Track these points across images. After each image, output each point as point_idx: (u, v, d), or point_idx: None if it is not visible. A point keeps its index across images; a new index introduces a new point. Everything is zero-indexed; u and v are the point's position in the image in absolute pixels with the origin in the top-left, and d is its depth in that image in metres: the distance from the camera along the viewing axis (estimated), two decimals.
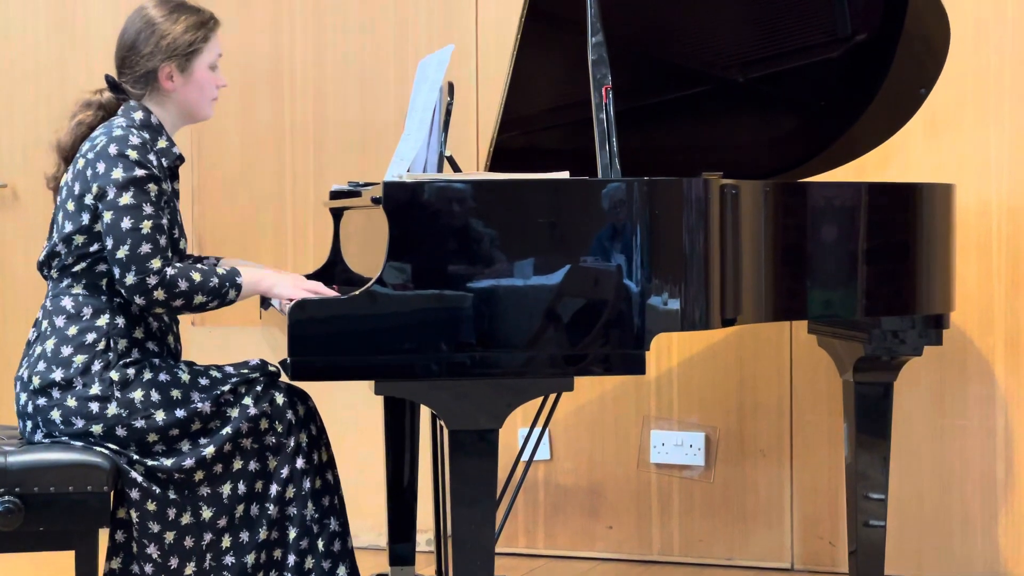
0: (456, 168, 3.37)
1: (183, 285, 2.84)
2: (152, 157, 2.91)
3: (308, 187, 4.41)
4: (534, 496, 4.29)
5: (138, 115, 2.98)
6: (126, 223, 2.84)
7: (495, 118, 3.42)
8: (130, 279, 2.83)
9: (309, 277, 3.46)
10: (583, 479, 4.26)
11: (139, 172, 2.87)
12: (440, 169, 3.20)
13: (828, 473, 4.05)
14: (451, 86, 3.22)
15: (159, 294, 2.83)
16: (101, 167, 2.87)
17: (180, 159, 3.01)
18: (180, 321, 3.10)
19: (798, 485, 4.09)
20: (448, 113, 3.20)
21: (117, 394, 2.84)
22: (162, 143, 2.97)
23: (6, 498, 2.77)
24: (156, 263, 2.83)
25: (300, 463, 2.92)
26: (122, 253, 2.83)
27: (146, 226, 2.85)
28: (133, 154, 2.87)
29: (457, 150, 3.91)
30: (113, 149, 2.88)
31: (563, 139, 3.64)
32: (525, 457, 3.47)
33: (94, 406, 2.84)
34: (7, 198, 4.70)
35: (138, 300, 2.84)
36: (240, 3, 4.45)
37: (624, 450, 4.22)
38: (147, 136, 2.94)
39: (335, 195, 3.58)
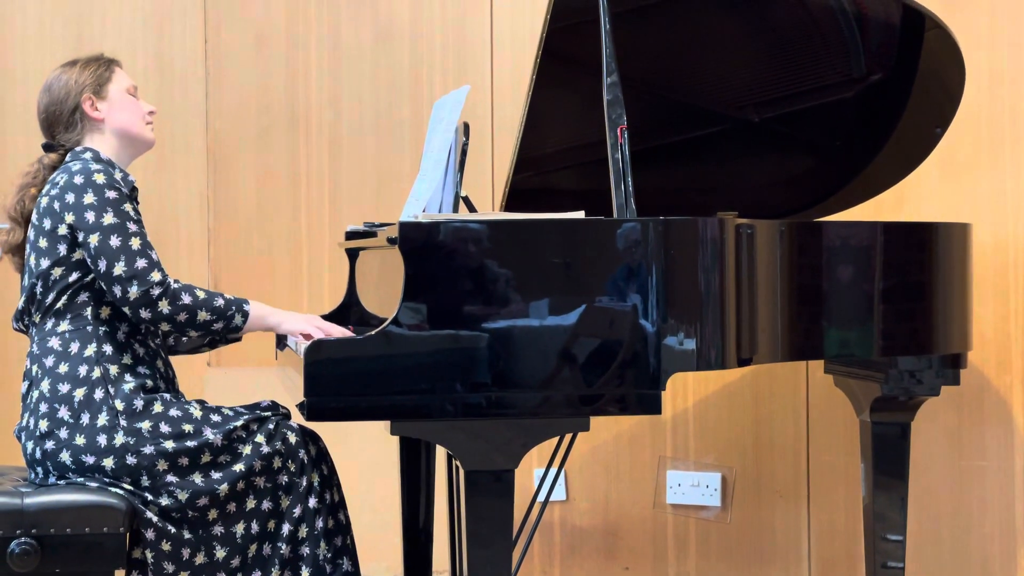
0: (472, 208, 3.38)
1: (187, 299, 2.85)
2: (118, 177, 2.94)
3: (323, 228, 4.42)
4: (550, 537, 4.28)
5: (87, 154, 3.01)
6: (115, 241, 2.85)
7: (510, 158, 3.43)
8: (133, 292, 2.83)
9: (325, 318, 3.47)
10: (599, 520, 4.24)
11: (111, 194, 2.89)
12: (456, 209, 3.21)
13: (845, 514, 4.03)
14: (466, 126, 3.22)
15: (163, 305, 2.84)
16: (71, 197, 2.89)
17: (136, 190, 3.03)
18: (192, 359, 3.10)
19: (815, 526, 4.07)
20: (464, 153, 3.21)
21: (123, 423, 2.84)
22: (117, 174, 2.99)
23: (23, 539, 2.77)
24: (156, 275, 2.85)
25: (313, 502, 2.92)
26: (119, 270, 2.84)
27: (135, 242, 2.86)
28: (100, 178, 2.90)
29: (473, 190, 3.91)
30: (79, 179, 2.90)
31: (578, 179, 3.64)
32: (541, 497, 3.46)
33: (101, 439, 2.84)
34: None
35: (143, 313, 2.84)
36: (256, 46, 4.47)
37: (640, 491, 4.21)
38: (103, 166, 2.96)
39: (350, 236, 3.59)
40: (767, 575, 4.10)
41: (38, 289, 2.93)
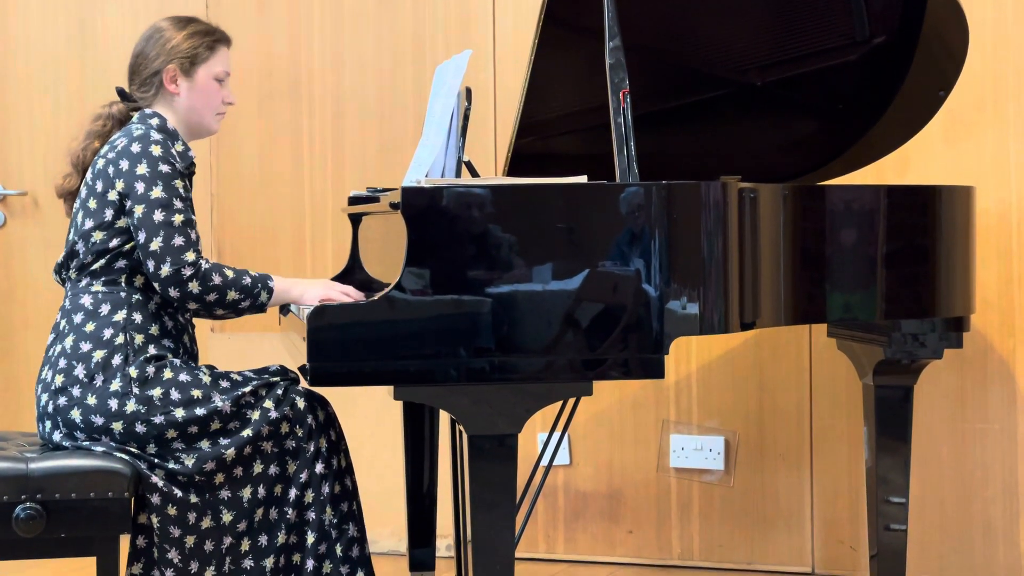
0: (474, 173, 3.38)
1: (217, 279, 2.87)
2: (175, 153, 2.95)
3: (327, 193, 4.42)
4: (554, 501, 4.29)
5: (154, 120, 3.02)
6: (158, 216, 2.87)
7: (513, 123, 3.42)
8: (165, 270, 2.85)
9: None
10: (603, 484, 4.26)
11: (164, 168, 2.90)
12: (458, 174, 3.21)
13: (848, 477, 4.04)
14: (469, 91, 3.22)
15: (193, 286, 2.85)
16: (125, 164, 2.90)
17: (193, 165, 3.04)
18: (196, 325, 3.12)
19: (818, 489, 4.08)
20: (466, 118, 3.20)
21: (136, 391, 2.86)
22: (178, 147, 3.00)
23: (28, 504, 2.78)
24: (190, 255, 2.86)
25: (319, 468, 2.93)
26: (155, 245, 2.86)
27: (177, 219, 2.88)
28: (157, 150, 2.91)
29: (475, 155, 3.92)
30: (136, 147, 2.91)
31: (581, 144, 3.64)
32: (544, 462, 3.47)
33: (113, 403, 2.85)
34: (28, 206, 4.72)
35: (172, 292, 2.86)
36: (259, 10, 4.46)
37: (644, 455, 4.22)
38: (164, 138, 2.97)
39: (353, 201, 3.59)
40: (770, 538, 4.11)
41: (79, 247, 2.96)
